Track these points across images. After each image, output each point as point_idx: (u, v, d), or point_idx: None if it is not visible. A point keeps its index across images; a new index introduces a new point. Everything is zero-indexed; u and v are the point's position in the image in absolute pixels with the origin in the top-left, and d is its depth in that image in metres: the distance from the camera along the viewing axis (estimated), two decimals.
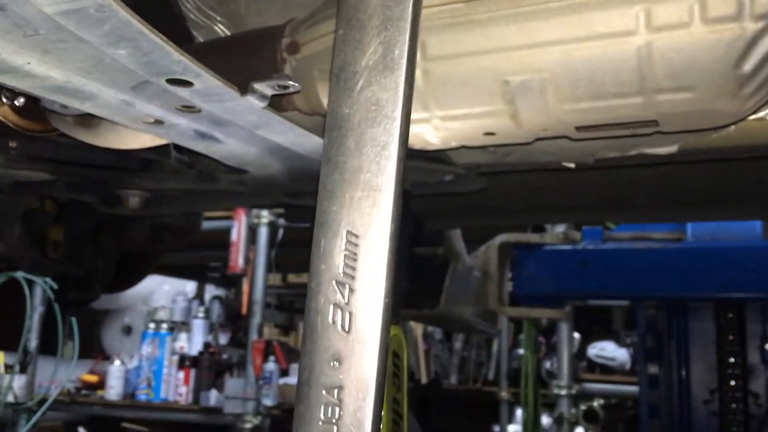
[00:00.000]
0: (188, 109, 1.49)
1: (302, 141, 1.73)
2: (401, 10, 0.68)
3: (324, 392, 0.72)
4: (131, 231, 3.35)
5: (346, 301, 0.73)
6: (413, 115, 1.55)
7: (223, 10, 1.89)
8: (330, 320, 0.74)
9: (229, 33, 1.94)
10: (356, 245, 0.68)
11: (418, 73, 1.47)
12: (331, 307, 0.74)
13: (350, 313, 0.72)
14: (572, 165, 1.94)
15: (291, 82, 1.42)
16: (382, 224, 0.67)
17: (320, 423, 0.73)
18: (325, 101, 1.65)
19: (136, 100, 1.44)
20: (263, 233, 6.27)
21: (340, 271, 0.74)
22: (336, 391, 0.71)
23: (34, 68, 1.27)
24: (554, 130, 1.52)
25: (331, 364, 0.73)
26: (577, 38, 1.33)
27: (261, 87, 1.41)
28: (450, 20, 1.42)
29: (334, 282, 0.73)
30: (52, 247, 3.27)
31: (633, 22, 1.28)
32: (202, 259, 8.14)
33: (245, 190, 2.28)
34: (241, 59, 1.70)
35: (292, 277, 10.00)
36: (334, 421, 0.72)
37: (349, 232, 0.68)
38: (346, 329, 0.72)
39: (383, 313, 0.71)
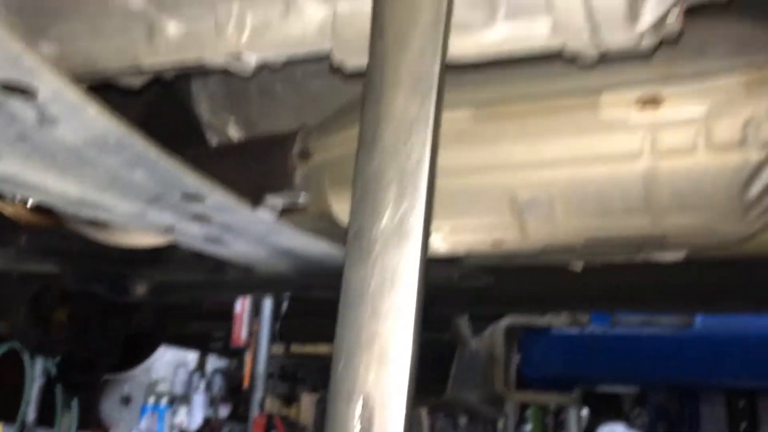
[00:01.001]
0: (200, 218, 1.51)
1: (312, 245, 1.74)
2: (417, 180, 0.70)
3: None
4: (138, 313, 3.35)
5: None
6: None
7: (236, 112, 1.93)
8: None
9: (242, 135, 1.98)
10: (371, 413, 0.68)
11: None
12: None
13: None
14: (579, 267, 1.95)
15: (301, 198, 1.44)
16: (397, 393, 0.67)
17: None
18: (334, 207, 1.67)
19: (149, 211, 1.46)
20: (267, 306, 6.23)
21: None
22: None
23: (50, 185, 1.29)
24: (562, 242, 1.53)
25: None
26: (583, 159, 1.35)
27: (272, 201, 1.44)
28: (459, 136, 1.45)
29: None
30: (57, 328, 3.25)
31: (638, 146, 1.31)
32: (204, 328, 8.08)
33: (253, 282, 2.29)
34: (254, 165, 1.74)
35: (296, 348, 9.88)
36: None
37: (364, 400, 0.68)
38: None
39: None
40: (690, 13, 1.03)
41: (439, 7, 0.72)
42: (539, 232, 1.50)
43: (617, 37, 0.85)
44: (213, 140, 2.01)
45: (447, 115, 1.45)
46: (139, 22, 1.08)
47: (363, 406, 0.68)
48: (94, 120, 1.01)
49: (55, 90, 0.92)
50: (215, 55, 1.07)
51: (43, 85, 0.90)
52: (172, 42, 1.08)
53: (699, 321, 3.73)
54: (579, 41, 0.86)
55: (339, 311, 0.72)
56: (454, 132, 1.46)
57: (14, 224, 1.98)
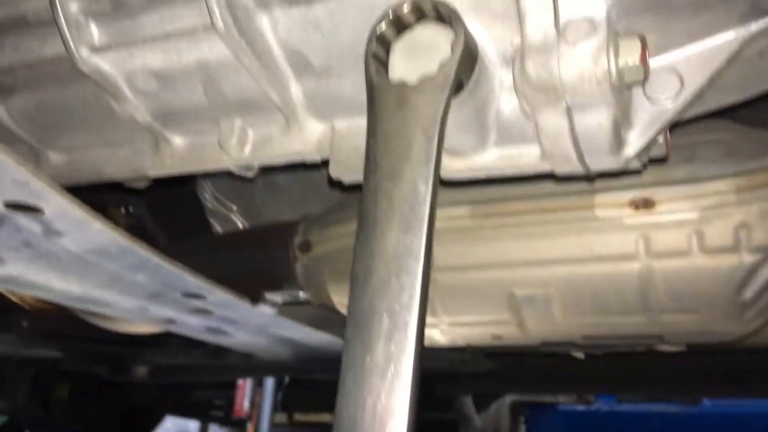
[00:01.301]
0: (201, 312, 1.53)
1: (311, 336, 1.75)
2: (408, 317, 0.72)
3: None
4: (138, 389, 3.32)
5: None
6: None
7: (239, 201, 1.97)
8: None
9: (245, 222, 2.01)
10: None
11: None
12: None
13: None
14: (581, 356, 1.94)
15: (301, 294, 1.46)
16: None
17: None
18: (334, 299, 1.69)
19: (150, 306, 1.48)
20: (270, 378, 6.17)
21: None
22: None
23: (53, 284, 1.31)
24: (561, 337, 1.54)
25: None
26: (579, 258, 1.37)
27: (272, 297, 1.46)
28: (458, 234, 1.48)
29: None
30: (57, 405, 3.22)
31: (633, 247, 1.32)
32: (206, 397, 7.97)
33: (252, 366, 2.29)
34: (256, 255, 1.76)
35: (299, 417, 9.72)
36: None
37: None
38: None
39: None
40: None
41: (429, 144, 0.75)
42: (538, 328, 1.50)
43: (605, 163, 0.88)
44: (217, 227, 2.04)
45: (446, 213, 1.50)
46: (146, 135, 1.12)
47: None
48: (98, 233, 1.04)
49: (61, 209, 0.95)
50: (219, 165, 1.11)
51: (50, 206, 0.93)
52: (176, 154, 1.12)
53: (706, 399, 3.67)
54: (567, 166, 0.89)
55: None
56: (452, 229, 1.48)
57: (18, 308, 2.00)
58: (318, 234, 1.71)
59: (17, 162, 0.82)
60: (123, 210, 2.13)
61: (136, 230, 2.13)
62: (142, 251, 1.13)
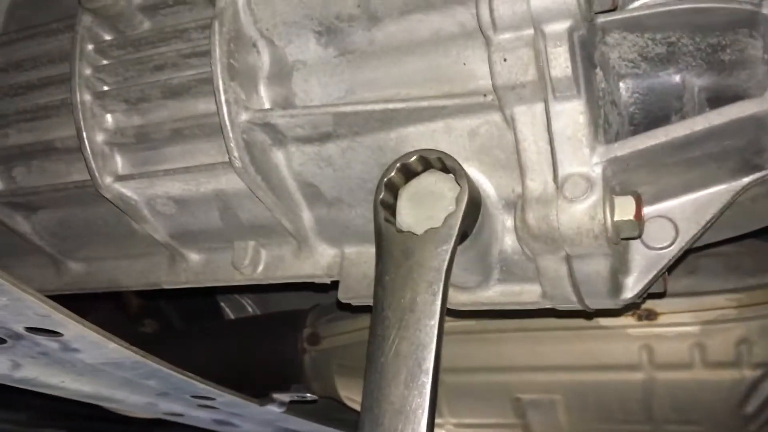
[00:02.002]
0: (209, 408, 1.55)
1: (318, 430, 1.76)
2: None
3: None
4: None
5: None
6: None
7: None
8: None
9: (255, 307, 2.04)
10: None
11: None
12: None
13: None
14: None
15: (309, 395, 1.48)
16: None
17: None
18: (342, 393, 1.70)
19: (160, 402, 1.50)
20: None
21: None
22: None
23: (67, 385, 1.34)
24: None
25: None
26: (583, 366, 1.39)
27: (279, 397, 1.48)
28: (463, 336, 1.50)
29: None
30: None
31: (636, 357, 1.35)
32: None
33: None
34: (264, 346, 1.78)
35: None
36: None
37: None
38: None
39: None
40: None
41: (435, 298, 0.79)
42: None
43: (604, 304, 0.91)
44: (228, 311, 2.07)
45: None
46: (162, 251, 1.16)
47: None
48: (114, 351, 1.07)
49: (79, 333, 0.98)
50: (231, 282, 1.14)
51: (68, 331, 0.97)
52: (191, 269, 1.16)
53: None
54: (568, 305, 0.92)
55: None
56: (458, 330, 1.51)
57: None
58: (327, 327, 1.74)
59: (40, 299, 0.86)
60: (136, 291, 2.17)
61: (150, 310, 2.16)
62: (154, 364, 1.16)
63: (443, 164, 0.85)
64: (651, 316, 1.35)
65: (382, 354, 0.80)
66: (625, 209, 0.80)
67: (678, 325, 1.33)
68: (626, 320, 1.37)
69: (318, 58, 0.96)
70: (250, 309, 2.10)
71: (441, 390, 1.54)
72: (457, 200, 0.82)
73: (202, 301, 2.11)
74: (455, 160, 0.84)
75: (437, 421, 1.59)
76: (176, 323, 2.17)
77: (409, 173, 0.87)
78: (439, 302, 0.79)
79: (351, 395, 1.69)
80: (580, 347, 1.40)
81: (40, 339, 1.04)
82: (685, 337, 1.32)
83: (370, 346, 0.82)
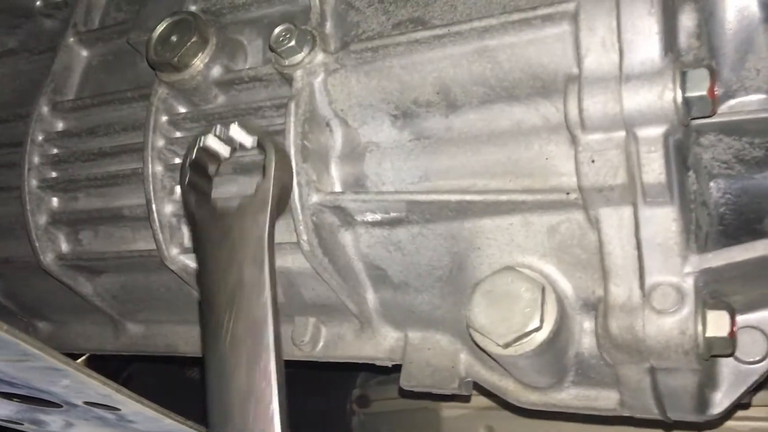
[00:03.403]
0: None
1: None
2: None
3: None
4: None
5: None
6: None
7: None
8: None
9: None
10: None
11: None
12: None
13: None
14: None
15: None
16: None
17: None
18: None
19: None
20: None
21: None
22: None
23: None
24: None
25: None
26: None
27: None
28: (519, 411, 1.45)
29: None
30: None
31: None
32: None
33: None
34: (314, 404, 1.75)
35: None
36: None
37: None
38: None
39: None
40: None
41: (261, 271, 0.78)
42: None
43: (688, 418, 0.86)
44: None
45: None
46: None
47: None
48: (168, 426, 1.05)
49: (136, 410, 0.97)
50: (289, 358, 1.12)
51: (126, 408, 0.96)
52: None
53: None
54: (647, 415, 0.87)
55: None
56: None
57: None
58: (377, 390, 1.71)
59: (102, 382, 0.85)
60: None
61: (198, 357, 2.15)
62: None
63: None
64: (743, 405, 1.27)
65: (218, 341, 0.77)
66: (718, 325, 0.75)
67: None
68: None
69: (392, 141, 0.93)
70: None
71: None
72: (265, 167, 0.82)
73: None
74: (258, 129, 0.87)
75: None
76: None
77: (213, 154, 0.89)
78: (267, 274, 0.78)
79: None
80: None
81: (99, 411, 1.03)
82: None
83: (206, 340, 0.81)
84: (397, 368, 1.06)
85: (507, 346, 0.81)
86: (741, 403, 0.94)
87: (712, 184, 0.84)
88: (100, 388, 0.87)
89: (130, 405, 0.95)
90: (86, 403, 0.97)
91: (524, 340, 0.80)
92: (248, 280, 0.78)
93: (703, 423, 0.88)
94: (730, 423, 1.27)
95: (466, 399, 1.31)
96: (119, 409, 0.98)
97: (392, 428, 1.64)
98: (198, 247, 0.84)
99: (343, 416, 1.74)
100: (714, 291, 0.79)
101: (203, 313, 0.82)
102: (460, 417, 1.50)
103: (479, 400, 1.49)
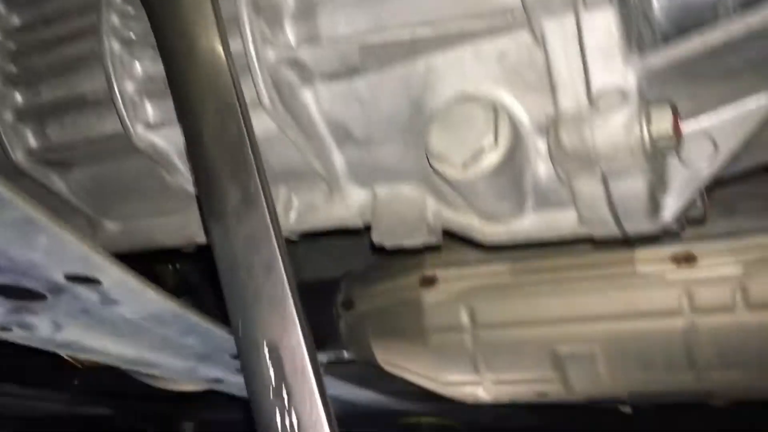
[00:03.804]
0: None
1: (355, 393, 1.76)
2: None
3: None
4: None
5: None
6: (464, 377, 1.58)
7: None
8: None
9: None
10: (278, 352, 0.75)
11: (467, 338, 1.52)
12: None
13: None
14: (629, 410, 1.91)
15: (346, 353, 1.48)
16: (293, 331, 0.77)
17: None
18: (378, 356, 1.70)
19: (199, 367, 1.52)
20: None
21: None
22: None
23: (108, 348, 1.35)
24: (607, 394, 1.52)
25: None
26: (622, 314, 1.37)
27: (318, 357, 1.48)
28: (498, 290, 1.49)
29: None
30: None
31: (676, 303, 1.32)
32: None
33: None
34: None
35: None
36: None
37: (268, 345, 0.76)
38: None
39: None
40: None
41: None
42: (582, 386, 1.49)
43: (642, 227, 0.89)
44: None
45: (487, 269, 1.52)
46: (196, 204, 1.17)
47: (269, 350, 0.73)
48: (153, 302, 1.08)
49: (118, 280, 0.99)
50: None
51: (107, 277, 0.98)
52: None
53: None
54: (605, 230, 0.90)
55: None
56: (493, 286, 1.50)
57: (70, 367, 2.05)
58: (360, 291, 1.74)
59: (79, 239, 0.87)
60: (170, 267, 2.19)
61: (183, 286, 2.19)
62: (193, 317, 1.17)
63: None
64: (690, 260, 1.32)
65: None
66: (661, 120, 0.79)
67: (718, 268, 1.30)
68: (665, 266, 1.34)
69: None
70: None
71: (477, 346, 1.53)
72: None
73: None
74: None
75: (475, 378, 1.58)
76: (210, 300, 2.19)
77: None
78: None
79: (387, 358, 1.69)
80: (617, 296, 1.38)
81: (80, 290, 1.05)
82: (727, 279, 1.29)
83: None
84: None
85: (465, 166, 0.84)
86: (697, 219, 0.99)
87: None
88: (77, 247, 0.89)
89: (111, 273, 0.97)
90: (67, 277, 0.99)
91: (481, 158, 0.83)
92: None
93: (660, 234, 0.92)
94: (696, 274, 1.31)
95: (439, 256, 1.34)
96: (100, 282, 1.01)
97: (377, 324, 1.67)
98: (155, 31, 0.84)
99: (330, 322, 1.78)
100: (658, 96, 0.83)
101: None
102: (441, 302, 1.54)
103: (460, 285, 1.53)
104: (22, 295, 1.07)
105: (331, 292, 1.79)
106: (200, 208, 0.85)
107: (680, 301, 1.32)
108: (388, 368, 1.71)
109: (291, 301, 0.79)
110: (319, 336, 1.81)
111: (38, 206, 0.80)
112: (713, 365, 1.34)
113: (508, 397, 1.65)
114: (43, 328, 1.18)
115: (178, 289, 2.19)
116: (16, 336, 1.19)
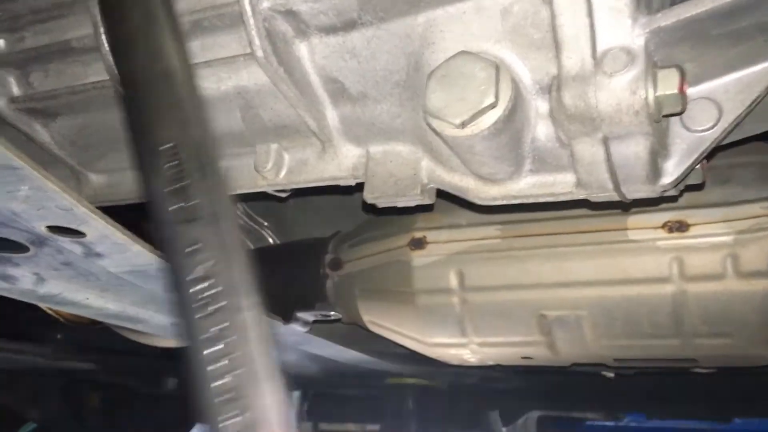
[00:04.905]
0: None
1: (341, 353, 1.76)
2: None
3: None
4: (167, 400, 3.35)
5: None
6: (451, 339, 1.59)
7: (271, 217, 1.99)
8: None
9: (276, 238, 2.03)
10: None
11: (455, 300, 1.51)
12: None
13: None
14: (611, 375, 1.93)
15: (332, 312, 1.47)
16: None
17: None
18: (364, 317, 1.69)
19: None
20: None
21: None
22: None
23: (91, 302, 1.33)
24: (592, 359, 1.53)
25: None
26: (610, 280, 1.36)
27: (304, 316, 1.47)
28: (488, 254, 1.48)
29: None
30: (88, 413, 3.27)
31: (666, 270, 1.32)
32: None
33: (293, 381, 2.30)
34: (286, 272, 1.77)
35: (324, 426, 9.73)
36: None
37: None
38: None
39: None
40: None
41: None
42: (568, 350, 1.50)
43: (641, 191, 0.88)
44: (248, 243, 2.06)
45: (477, 232, 1.50)
46: None
47: None
48: (138, 255, 1.06)
49: (102, 233, 0.97)
50: (254, 188, 1.12)
51: (91, 230, 0.95)
52: None
53: (737, 417, 3.61)
54: (603, 194, 0.89)
55: None
56: (483, 248, 1.49)
57: (53, 321, 2.03)
58: (349, 252, 1.72)
59: (62, 189, 0.85)
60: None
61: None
62: None
63: None
64: (682, 227, 1.31)
65: None
66: (667, 82, 0.77)
67: (710, 235, 1.29)
68: (656, 233, 1.33)
69: None
70: (270, 240, 2.09)
71: (465, 309, 1.53)
72: None
73: None
74: None
75: (462, 340, 1.58)
76: None
77: None
78: None
79: (374, 319, 1.68)
80: (607, 262, 1.37)
81: (64, 243, 1.03)
82: (718, 247, 1.29)
83: None
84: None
85: (464, 125, 0.82)
86: (695, 185, 0.97)
87: None
88: (60, 198, 0.87)
89: (95, 225, 0.95)
90: (50, 229, 0.97)
91: (480, 117, 0.81)
92: None
93: (657, 198, 0.91)
94: (688, 241, 1.31)
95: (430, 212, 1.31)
96: (84, 234, 0.98)
97: (365, 286, 1.66)
98: None
99: (317, 281, 1.76)
100: (665, 58, 0.80)
101: None
102: (430, 264, 1.52)
103: (449, 247, 1.52)
104: (4, 246, 1.04)
105: (319, 252, 1.78)
106: None
107: (670, 267, 1.31)
108: (374, 329, 1.70)
109: None
110: (306, 295, 1.80)
111: (20, 153, 0.77)
112: (700, 333, 1.35)
113: (493, 360, 1.66)
114: (25, 281, 1.15)
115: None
116: None
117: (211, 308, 0.65)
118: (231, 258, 0.66)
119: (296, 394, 6.18)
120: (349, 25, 0.92)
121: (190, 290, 0.65)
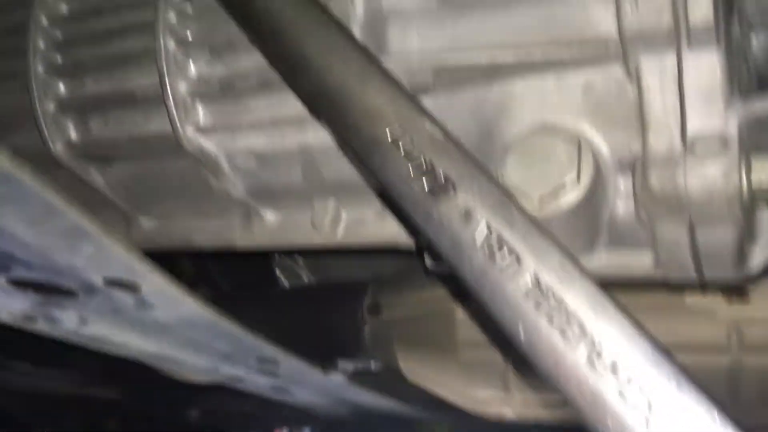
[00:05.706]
0: (270, 373, 1.52)
1: (376, 401, 1.72)
2: None
3: None
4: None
5: None
6: (492, 394, 1.55)
7: (305, 254, 1.97)
8: None
9: (310, 276, 2.00)
10: None
11: (499, 355, 1.48)
12: None
13: None
14: None
15: (373, 365, 1.44)
16: None
17: None
18: (402, 365, 1.66)
19: (222, 366, 1.48)
20: None
21: None
22: None
23: (131, 344, 1.32)
24: None
25: None
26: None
27: (344, 366, 1.45)
28: None
29: None
30: None
31: (724, 339, 1.28)
32: None
33: (306, 418, 2.26)
34: (323, 315, 1.75)
35: None
36: None
37: None
38: None
39: None
40: None
41: None
42: None
43: (724, 275, 0.85)
44: (283, 279, 2.04)
45: None
46: (238, 210, 1.12)
47: None
48: (189, 309, 1.04)
49: (158, 288, 0.95)
50: (309, 244, 1.10)
51: (147, 284, 0.94)
52: (267, 229, 1.12)
53: None
54: (683, 276, 0.86)
55: None
56: None
57: (78, 347, 2.01)
58: (389, 298, 1.70)
59: (125, 247, 0.83)
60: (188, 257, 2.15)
61: (201, 276, 2.14)
62: (227, 324, 1.13)
63: None
64: (743, 296, 1.27)
65: None
66: (762, 171, 0.73)
67: None
68: (716, 301, 1.30)
69: (417, 6, 0.90)
70: (305, 278, 2.07)
71: (509, 364, 1.49)
72: None
73: (258, 267, 2.08)
74: None
75: (503, 396, 1.54)
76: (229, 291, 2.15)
77: None
78: None
79: (413, 367, 1.65)
80: (664, 327, 1.33)
81: (116, 293, 1.01)
82: None
83: None
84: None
85: (542, 203, 0.79)
86: None
87: (752, 35, 0.81)
88: (122, 255, 0.85)
89: (152, 280, 0.93)
90: (106, 281, 0.95)
91: (560, 195, 0.78)
92: None
93: (737, 283, 0.87)
94: (748, 312, 1.27)
95: None
96: (139, 289, 0.96)
97: (404, 335, 1.63)
98: None
99: (355, 326, 1.73)
100: (757, 144, 0.77)
101: None
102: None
103: None
104: (54, 291, 1.03)
105: (357, 296, 1.75)
106: None
107: (729, 337, 1.27)
108: (411, 378, 1.67)
109: None
110: (343, 340, 1.77)
111: (88, 215, 0.75)
112: (756, 405, 1.30)
113: (533, 418, 1.61)
114: (69, 322, 1.14)
115: (197, 277, 2.16)
116: (40, 327, 1.15)
117: None
118: None
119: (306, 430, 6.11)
120: (420, 90, 0.90)
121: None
